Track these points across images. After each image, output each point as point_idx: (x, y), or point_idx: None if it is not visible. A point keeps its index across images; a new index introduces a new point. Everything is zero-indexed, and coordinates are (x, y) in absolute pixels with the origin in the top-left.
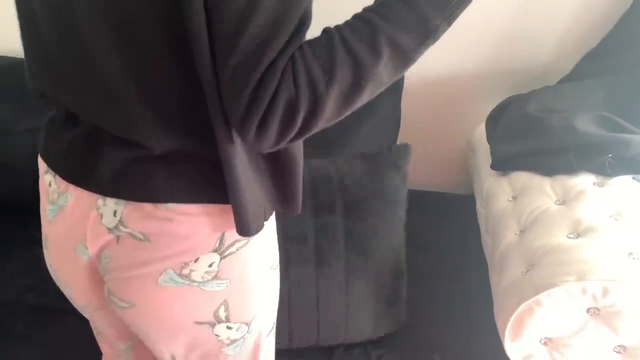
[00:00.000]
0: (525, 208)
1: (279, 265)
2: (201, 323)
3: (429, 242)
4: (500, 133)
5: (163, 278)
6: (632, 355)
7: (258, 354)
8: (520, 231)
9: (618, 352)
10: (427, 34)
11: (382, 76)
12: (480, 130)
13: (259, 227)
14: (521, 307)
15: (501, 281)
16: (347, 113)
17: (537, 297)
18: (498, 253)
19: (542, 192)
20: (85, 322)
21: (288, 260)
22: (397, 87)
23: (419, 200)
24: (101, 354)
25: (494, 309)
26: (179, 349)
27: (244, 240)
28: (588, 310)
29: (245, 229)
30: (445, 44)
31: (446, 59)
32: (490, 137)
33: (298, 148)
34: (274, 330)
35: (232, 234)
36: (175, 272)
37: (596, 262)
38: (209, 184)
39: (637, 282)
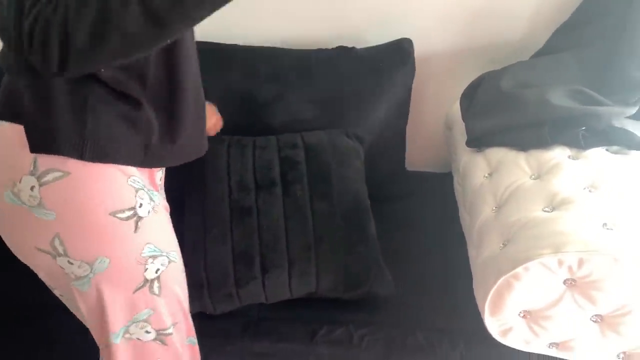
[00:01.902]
0: (501, 183)
1: (136, 219)
2: (42, 250)
3: (408, 220)
4: (474, 110)
5: (6, 195)
6: (609, 324)
7: (104, 297)
8: (497, 206)
9: (595, 321)
10: None
11: (131, 28)
12: (456, 108)
13: (55, 148)
14: (499, 282)
15: (479, 257)
16: (102, 54)
17: (514, 271)
18: (476, 229)
19: (517, 167)
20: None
21: (258, 187)
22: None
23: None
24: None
25: (473, 285)
26: (41, 274)
27: (59, 172)
28: (565, 282)
29: (31, 143)
30: (419, 22)
31: (419, 38)
32: (465, 115)
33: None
34: (156, 289)
35: (45, 161)
36: (10, 189)
37: (571, 234)
38: (24, 104)
39: (611, 252)
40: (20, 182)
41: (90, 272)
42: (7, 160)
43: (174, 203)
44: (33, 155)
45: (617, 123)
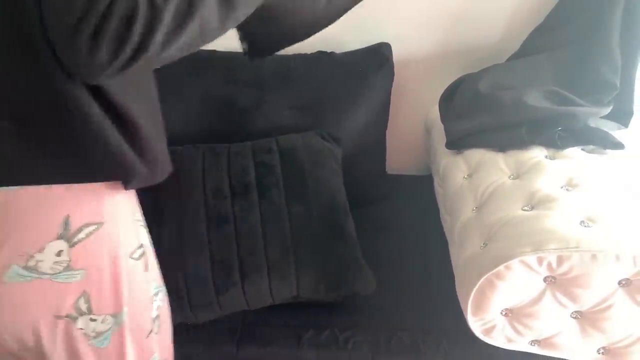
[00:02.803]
0: (481, 184)
1: (145, 257)
2: (61, 317)
3: (390, 223)
4: (453, 112)
5: (9, 275)
6: (588, 320)
7: (125, 349)
8: (477, 207)
9: (575, 318)
10: None
11: (209, 12)
12: (435, 111)
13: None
14: (481, 281)
15: (461, 257)
16: (178, 44)
17: (495, 270)
18: (457, 229)
19: (496, 167)
20: None
21: (234, 193)
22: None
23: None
24: None
25: (456, 284)
26: (44, 340)
27: (93, 225)
28: (545, 280)
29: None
30: (397, 27)
31: (397, 43)
32: (444, 117)
33: (143, 115)
34: (156, 328)
35: (77, 218)
36: (19, 266)
37: (550, 232)
38: (43, 163)
39: (589, 249)
40: (43, 251)
41: (113, 324)
42: (10, 233)
43: (150, 214)
44: (63, 215)
45: (592, 123)
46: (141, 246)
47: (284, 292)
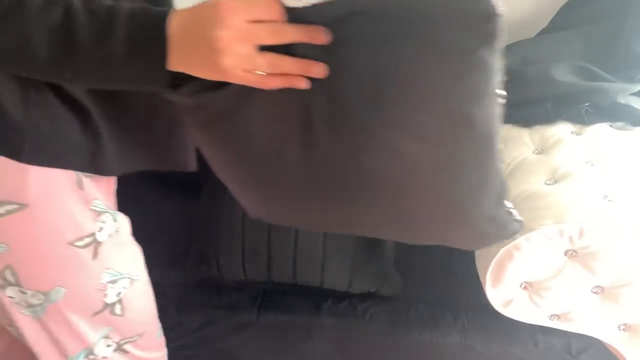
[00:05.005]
0: (505, 158)
1: (93, 246)
2: None
3: None
4: None
5: None
6: (609, 295)
7: (60, 327)
8: None
9: (595, 293)
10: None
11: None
12: None
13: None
14: (501, 252)
15: None
16: None
17: (515, 241)
18: None
19: (521, 142)
20: None
21: None
22: None
23: None
24: None
25: (475, 257)
26: None
27: (14, 204)
28: (565, 253)
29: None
30: None
31: None
32: None
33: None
34: (118, 310)
35: None
36: None
37: (572, 205)
38: None
39: (611, 223)
40: None
41: (45, 301)
42: None
43: (190, 187)
44: None
45: (621, 99)
46: (91, 235)
47: (307, 275)
